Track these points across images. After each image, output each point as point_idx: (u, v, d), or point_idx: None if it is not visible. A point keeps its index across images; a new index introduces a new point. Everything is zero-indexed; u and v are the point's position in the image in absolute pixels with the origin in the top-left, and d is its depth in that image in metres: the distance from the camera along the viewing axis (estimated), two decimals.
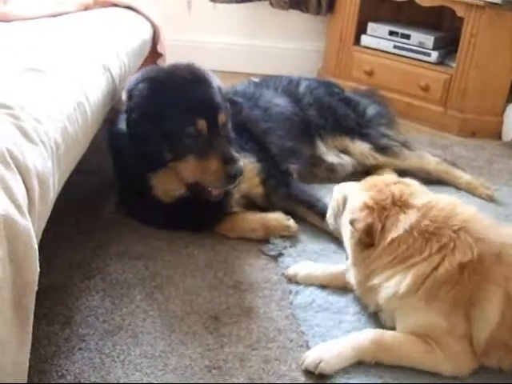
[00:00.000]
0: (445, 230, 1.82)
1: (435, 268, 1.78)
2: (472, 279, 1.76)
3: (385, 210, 1.88)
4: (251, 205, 2.51)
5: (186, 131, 2.21)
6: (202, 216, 2.38)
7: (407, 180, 2.05)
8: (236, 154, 2.25)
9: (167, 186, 2.32)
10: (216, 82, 2.37)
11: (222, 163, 2.21)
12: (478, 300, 1.76)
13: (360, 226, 1.87)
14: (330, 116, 3.00)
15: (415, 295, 1.79)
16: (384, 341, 1.80)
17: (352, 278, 1.99)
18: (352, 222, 1.89)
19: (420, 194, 1.95)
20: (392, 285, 1.82)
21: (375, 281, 1.87)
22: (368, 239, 1.87)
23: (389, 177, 2.14)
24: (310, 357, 1.76)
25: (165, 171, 2.28)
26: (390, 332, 1.84)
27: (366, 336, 1.81)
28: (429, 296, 1.77)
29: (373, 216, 1.86)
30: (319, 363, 1.74)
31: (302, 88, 3.06)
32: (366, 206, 1.89)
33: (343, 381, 1.73)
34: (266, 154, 2.58)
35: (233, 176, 2.22)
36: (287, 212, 2.46)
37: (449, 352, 1.76)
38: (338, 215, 2.07)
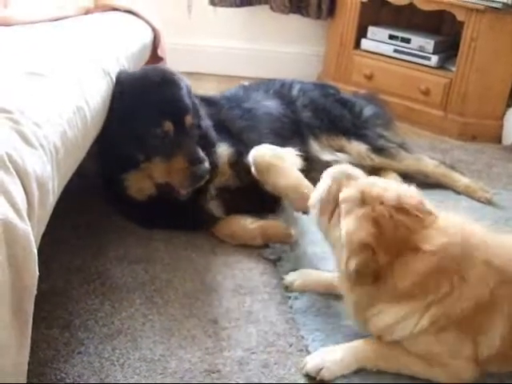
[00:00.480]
0: (462, 261, 1.70)
1: (451, 307, 1.70)
2: (481, 310, 1.70)
3: (392, 248, 1.70)
4: (228, 194, 2.49)
5: (153, 133, 2.27)
6: (179, 213, 2.40)
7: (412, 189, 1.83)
8: (202, 155, 2.29)
9: (140, 185, 2.37)
10: (185, 83, 2.43)
11: (188, 164, 2.26)
12: (485, 329, 1.71)
13: (352, 265, 1.69)
14: (325, 117, 3.00)
15: (427, 331, 1.72)
16: (385, 350, 1.78)
17: (349, 305, 1.85)
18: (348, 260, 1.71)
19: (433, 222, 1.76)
20: (408, 327, 1.73)
21: (386, 318, 1.75)
22: (366, 280, 1.72)
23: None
24: (311, 363, 1.76)
25: (137, 172, 2.34)
26: (392, 342, 1.80)
27: (367, 344, 1.80)
28: (439, 330, 1.72)
29: (370, 256, 1.68)
30: (321, 370, 1.73)
31: (295, 90, 3.07)
32: (364, 246, 1.69)
33: (345, 381, 1.74)
34: (244, 146, 2.55)
35: (199, 176, 2.27)
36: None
37: (450, 369, 1.74)
38: (326, 208, 1.86)
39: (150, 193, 2.38)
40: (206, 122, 2.49)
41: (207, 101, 2.71)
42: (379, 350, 1.78)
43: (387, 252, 1.68)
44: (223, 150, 2.48)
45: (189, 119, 2.33)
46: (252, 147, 2.46)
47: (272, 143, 2.62)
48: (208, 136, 2.45)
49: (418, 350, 1.76)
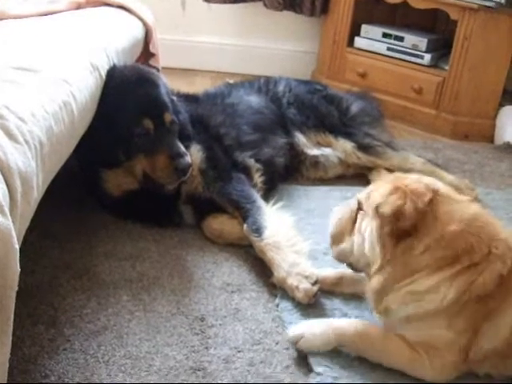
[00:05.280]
0: (489, 234, 1.70)
1: (475, 280, 1.65)
2: (496, 295, 1.66)
3: (426, 195, 1.69)
4: (198, 202, 2.47)
5: (134, 131, 2.29)
6: (153, 209, 2.42)
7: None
8: (183, 149, 2.31)
9: (118, 181, 2.39)
10: (162, 82, 2.46)
11: (169, 159, 2.27)
12: (493, 316, 1.67)
13: (386, 209, 1.68)
14: (311, 113, 3.01)
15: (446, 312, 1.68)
16: (369, 334, 1.77)
17: (376, 284, 1.75)
18: (377, 207, 1.70)
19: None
20: (437, 298, 1.67)
21: (417, 286, 1.69)
22: (401, 225, 1.67)
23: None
24: (293, 332, 1.81)
25: (117, 169, 2.36)
26: (378, 327, 1.80)
27: (351, 324, 1.81)
28: (454, 314, 1.67)
29: (405, 199, 1.67)
30: (300, 339, 1.78)
31: (280, 86, 3.08)
32: (396, 189, 1.70)
33: (329, 380, 1.73)
34: (219, 145, 2.59)
35: (181, 170, 2.28)
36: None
37: (437, 361, 1.70)
38: (344, 234, 1.88)
39: (128, 188, 2.39)
40: (184, 116, 2.51)
41: (187, 97, 2.73)
42: (362, 333, 1.77)
43: (421, 195, 1.70)
44: (196, 152, 2.47)
45: (168, 116, 2.35)
46: (229, 151, 2.54)
47: (251, 136, 2.67)
48: (184, 130, 2.46)
49: (418, 331, 1.72)
